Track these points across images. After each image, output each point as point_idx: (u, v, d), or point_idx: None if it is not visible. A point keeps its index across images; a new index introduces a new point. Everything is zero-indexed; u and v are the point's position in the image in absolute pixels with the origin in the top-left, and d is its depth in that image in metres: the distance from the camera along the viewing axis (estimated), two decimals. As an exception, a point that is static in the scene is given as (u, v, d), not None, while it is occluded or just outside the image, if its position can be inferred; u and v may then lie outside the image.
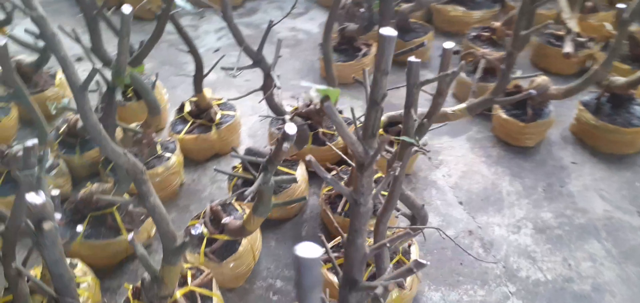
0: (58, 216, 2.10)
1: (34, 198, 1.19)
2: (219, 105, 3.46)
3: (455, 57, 4.27)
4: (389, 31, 1.16)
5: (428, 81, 1.84)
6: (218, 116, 3.35)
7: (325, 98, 1.14)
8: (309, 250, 0.83)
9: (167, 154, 3.04)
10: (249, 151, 2.85)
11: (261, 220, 2.47)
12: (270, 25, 2.66)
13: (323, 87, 1.11)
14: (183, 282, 2.28)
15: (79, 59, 4.48)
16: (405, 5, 4.40)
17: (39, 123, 2.59)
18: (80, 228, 2.14)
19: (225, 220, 2.50)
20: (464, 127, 3.56)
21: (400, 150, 1.88)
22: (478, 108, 2.95)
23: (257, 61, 2.69)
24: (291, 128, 1.68)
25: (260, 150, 2.83)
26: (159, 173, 2.94)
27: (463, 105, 2.99)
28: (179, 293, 2.17)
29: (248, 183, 2.83)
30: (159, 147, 3.08)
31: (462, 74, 3.80)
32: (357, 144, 1.31)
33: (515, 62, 3.79)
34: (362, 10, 3.99)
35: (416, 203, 2.21)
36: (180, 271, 2.14)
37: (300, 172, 2.93)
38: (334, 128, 3.22)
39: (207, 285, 2.28)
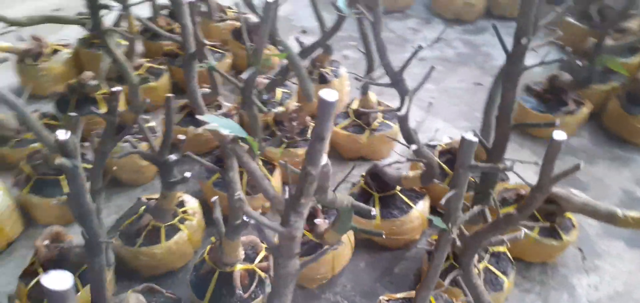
0: (188, 175, 2.45)
1: (62, 134, 1.44)
2: (383, 112, 3.45)
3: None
4: (329, 95, 1.04)
5: (478, 167, 1.54)
6: (376, 122, 3.35)
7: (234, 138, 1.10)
8: (58, 280, 0.83)
9: (314, 141, 3.18)
10: (374, 168, 2.80)
11: (338, 236, 2.46)
12: (417, 49, 2.50)
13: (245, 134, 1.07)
14: (254, 257, 2.43)
15: (304, 32, 4.95)
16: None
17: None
18: (188, 174, 2.45)
19: (318, 221, 2.55)
20: (654, 240, 2.83)
21: (438, 239, 1.63)
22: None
23: (395, 81, 2.58)
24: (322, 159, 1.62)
25: (386, 170, 2.76)
26: (298, 154, 3.12)
27: (641, 214, 2.38)
28: (240, 266, 2.33)
29: (365, 196, 2.81)
30: (310, 131, 3.24)
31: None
32: (277, 201, 1.21)
33: None
34: (579, 62, 3.43)
35: (484, 299, 1.89)
36: (238, 247, 2.28)
37: (422, 207, 2.77)
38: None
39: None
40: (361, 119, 3.37)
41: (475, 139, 1.49)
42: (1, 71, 3.64)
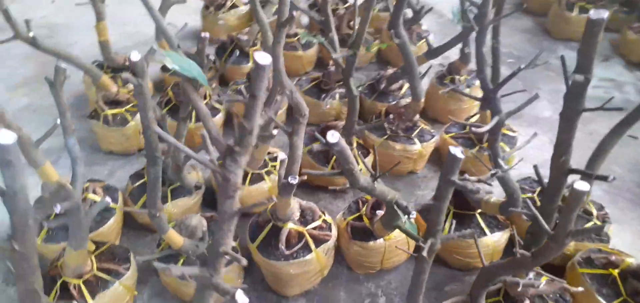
0: (275, 132, 2.71)
1: (134, 56, 1.76)
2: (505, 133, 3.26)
3: None
4: (262, 58, 1.14)
5: (456, 183, 1.45)
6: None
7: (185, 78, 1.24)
8: (5, 137, 1.11)
9: (417, 141, 3.17)
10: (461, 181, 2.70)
11: (385, 232, 2.48)
12: (517, 70, 2.34)
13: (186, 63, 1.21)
14: (310, 221, 2.56)
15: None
16: None
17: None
18: (275, 131, 2.69)
19: (379, 212, 2.59)
20: None
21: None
22: None
23: (487, 98, 2.45)
24: (333, 137, 1.69)
25: (470, 185, 2.65)
26: (395, 148, 3.14)
27: None
28: (292, 225, 2.49)
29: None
30: (417, 131, 3.22)
31: None
32: (218, 143, 1.32)
33: None
34: None
35: None
36: (288, 205, 2.44)
37: (497, 238, 2.61)
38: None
39: (320, 242, 2.49)
40: (475, 135, 3.24)
41: (461, 156, 1.41)
42: (189, 14, 4.34)
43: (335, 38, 2.94)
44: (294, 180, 2.23)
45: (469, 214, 2.68)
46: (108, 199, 2.22)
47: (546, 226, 1.53)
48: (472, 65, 3.73)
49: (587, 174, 1.77)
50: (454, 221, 2.59)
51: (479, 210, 2.67)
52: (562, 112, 1.71)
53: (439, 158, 3.40)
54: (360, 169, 2.25)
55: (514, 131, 3.29)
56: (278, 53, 2.41)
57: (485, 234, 2.61)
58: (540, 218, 1.55)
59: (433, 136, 3.25)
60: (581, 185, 1.41)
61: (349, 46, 2.69)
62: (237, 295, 1.35)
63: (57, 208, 1.96)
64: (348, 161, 1.81)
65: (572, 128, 1.71)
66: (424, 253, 1.54)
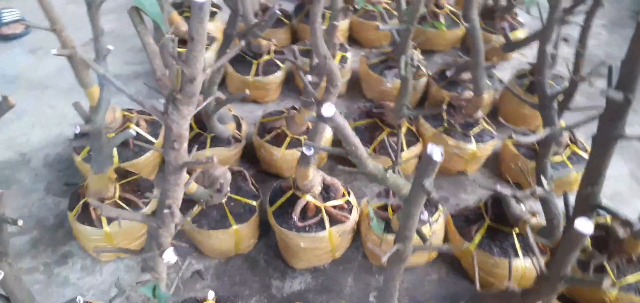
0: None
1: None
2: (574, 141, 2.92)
3: None
4: None
5: (425, 188, 1.26)
6: (558, 157, 2.86)
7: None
8: None
9: (473, 140, 2.92)
10: (498, 194, 2.44)
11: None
12: (580, 79, 2.02)
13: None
14: (332, 198, 2.46)
15: (565, 40, 4.32)
16: None
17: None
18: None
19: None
20: None
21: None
22: None
23: (543, 105, 2.15)
24: (328, 110, 1.57)
25: (511, 203, 2.40)
26: (447, 143, 2.92)
27: None
28: (311, 198, 2.42)
29: (475, 217, 2.52)
30: (478, 129, 2.96)
31: None
32: (163, 84, 1.24)
33: None
34: None
35: None
36: (305, 175, 2.35)
37: (530, 263, 2.36)
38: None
39: (337, 222, 2.39)
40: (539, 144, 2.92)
41: (438, 160, 1.22)
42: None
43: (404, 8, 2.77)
44: (309, 151, 2.14)
45: (505, 231, 2.43)
46: (132, 131, 2.28)
47: (541, 263, 1.31)
48: (562, 68, 3.35)
49: (612, 214, 1.50)
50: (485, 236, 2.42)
51: (517, 230, 2.42)
52: (595, 135, 1.44)
53: (497, 165, 3.12)
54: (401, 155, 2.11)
55: (586, 152, 2.91)
56: (315, 13, 2.29)
57: (517, 256, 2.36)
58: (536, 251, 1.33)
59: (492, 138, 2.98)
60: (582, 225, 1.17)
61: (403, 20, 2.50)
62: (166, 253, 1.31)
63: (77, 129, 2.04)
64: (348, 140, 1.67)
65: (606, 155, 1.44)
66: (383, 260, 1.39)
